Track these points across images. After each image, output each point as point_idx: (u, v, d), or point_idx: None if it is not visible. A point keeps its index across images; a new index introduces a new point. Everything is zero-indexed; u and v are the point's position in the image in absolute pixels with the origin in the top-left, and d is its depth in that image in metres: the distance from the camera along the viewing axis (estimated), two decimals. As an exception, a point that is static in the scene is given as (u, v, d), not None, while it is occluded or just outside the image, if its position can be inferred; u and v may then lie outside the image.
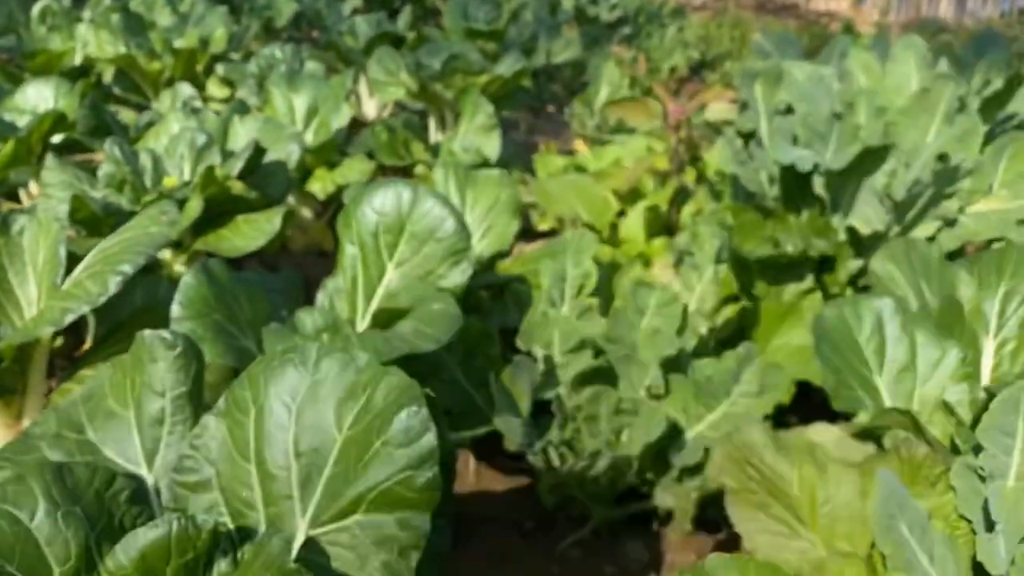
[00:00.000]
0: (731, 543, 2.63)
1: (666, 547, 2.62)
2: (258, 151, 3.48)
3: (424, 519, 1.49)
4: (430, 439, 1.49)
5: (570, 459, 2.45)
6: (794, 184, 3.41)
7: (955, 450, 2.08)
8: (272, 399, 1.64)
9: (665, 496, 2.50)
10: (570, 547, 2.60)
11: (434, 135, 5.46)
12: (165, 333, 1.71)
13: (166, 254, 3.46)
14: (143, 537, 1.51)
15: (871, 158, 3.10)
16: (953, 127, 3.20)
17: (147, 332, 1.71)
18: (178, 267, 3.36)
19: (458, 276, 2.70)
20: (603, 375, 2.64)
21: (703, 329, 2.75)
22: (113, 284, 2.40)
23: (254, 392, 1.66)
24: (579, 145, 5.88)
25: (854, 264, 3.27)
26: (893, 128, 3.29)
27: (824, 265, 3.32)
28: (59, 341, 3.38)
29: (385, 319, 2.51)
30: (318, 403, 1.62)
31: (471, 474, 2.93)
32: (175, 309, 2.33)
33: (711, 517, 2.66)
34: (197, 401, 1.74)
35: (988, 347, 2.88)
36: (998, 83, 3.46)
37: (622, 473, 2.50)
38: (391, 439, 1.50)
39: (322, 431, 1.60)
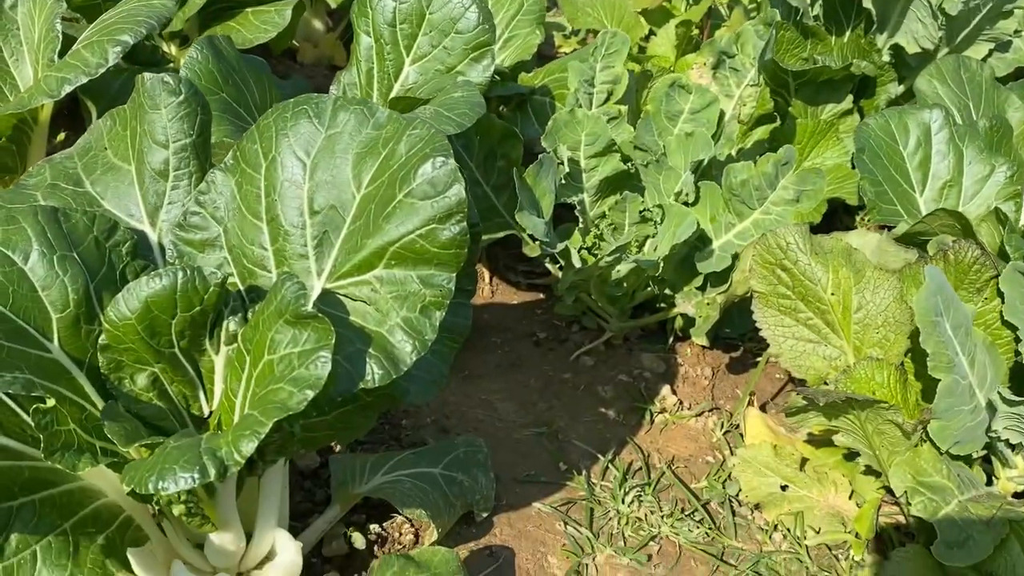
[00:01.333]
0: (746, 360, 2.56)
1: (680, 360, 2.55)
2: (268, -61, 3.24)
3: (449, 277, 1.38)
4: (458, 191, 1.36)
5: (591, 261, 2.34)
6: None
7: (1004, 257, 1.97)
8: (285, 153, 1.52)
9: (687, 304, 2.40)
10: (583, 355, 2.53)
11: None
12: (167, 76, 1.57)
13: (172, 48, 3.28)
14: (147, 287, 1.41)
15: (928, -33, 2.88)
16: (1017, -59, 2.97)
17: (147, 75, 1.57)
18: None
19: (480, 73, 2.53)
20: (630, 182, 2.50)
21: (736, 140, 2.59)
22: (112, 54, 2.24)
23: (265, 145, 1.53)
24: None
25: (895, 88, 3.10)
26: (953, -58, 3.06)
27: (863, 90, 3.15)
28: (61, 136, 3.24)
29: (402, 107, 2.35)
30: (335, 157, 1.49)
31: (487, 287, 2.84)
32: (180, 82, 2.17)
33: (727, 336, 2.58)
34: (203, 155, 1.61)
35: (1033, 175, 2.74)
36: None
37: (643, 280, 2.40)
38: (415, 191, 1.38)
39: (339, 187, 1.48)
